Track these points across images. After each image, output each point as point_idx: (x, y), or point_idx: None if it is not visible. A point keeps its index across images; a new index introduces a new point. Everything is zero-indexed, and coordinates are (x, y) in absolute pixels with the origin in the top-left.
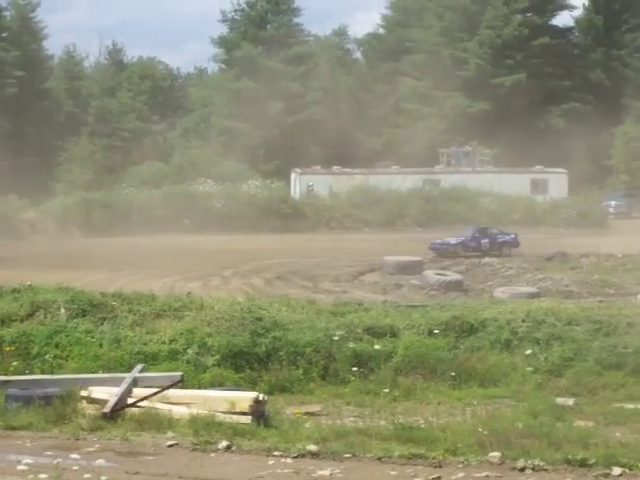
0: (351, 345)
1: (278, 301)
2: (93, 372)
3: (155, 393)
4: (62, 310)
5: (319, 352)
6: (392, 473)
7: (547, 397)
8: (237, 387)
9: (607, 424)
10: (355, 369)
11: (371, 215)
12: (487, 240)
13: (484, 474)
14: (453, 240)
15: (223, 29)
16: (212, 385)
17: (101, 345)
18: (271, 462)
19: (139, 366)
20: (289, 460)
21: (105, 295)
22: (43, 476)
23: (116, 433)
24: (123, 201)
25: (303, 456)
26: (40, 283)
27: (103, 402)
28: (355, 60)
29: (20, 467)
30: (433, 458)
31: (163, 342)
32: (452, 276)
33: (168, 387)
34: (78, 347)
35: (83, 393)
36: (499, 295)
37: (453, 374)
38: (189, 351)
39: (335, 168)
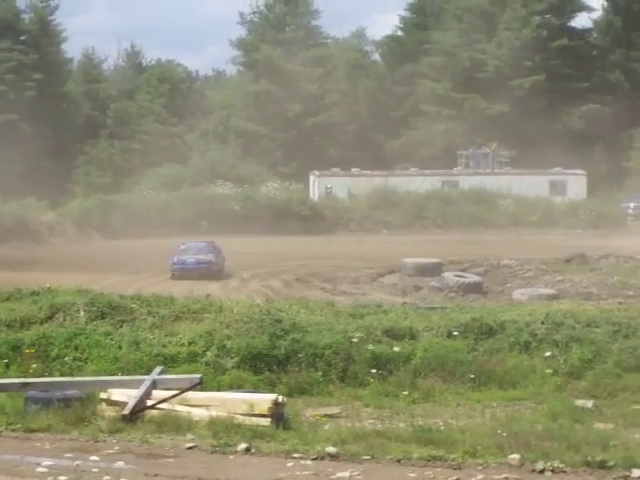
0: (370, 347)
1: (297, 303)
2: (112, 374)
3: (174, 395)
4: (81, 312)
5: (338, 354)
6: (411, 475)
7: (566, 399)
8: (256, 389)
9: (627, 426)
10: (374, 371)
11: (390, 217)
12: (221, 253)
13: (503, 476)
14: (213, 257)
15: (242, 31)
16: (231, 387)
17: (120, 347)
18: (290, 464)
19: (158, 368)
20: (308, 462)
21: (124, 297)
22: (62, 478)
23: (135, 435)
24: (141, 203)
25: (322, 458)
26: (59, 285)
27: (122, 404)
28: (373, 62)
29: (39, 469)
30: (452, 460)
31: (182, 344)
32: (471, 278)
33: (187, 389)
34: (97, 349)
35: (102, 395)
36: (518, 297)
37: (472, 376)
38: (208, 353)
39: (354, 170)
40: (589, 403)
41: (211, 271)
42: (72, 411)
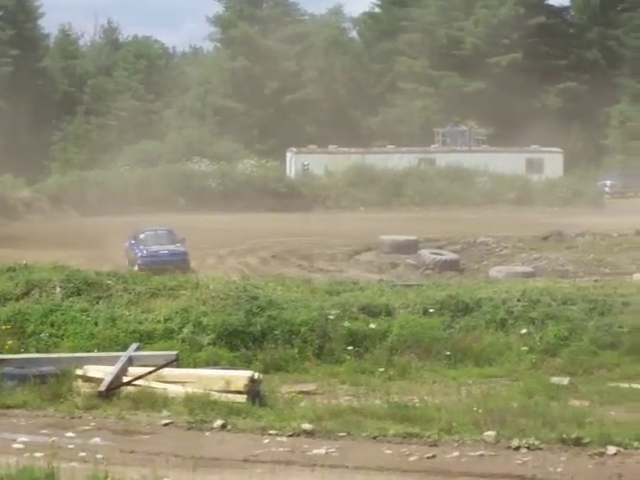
0: (346, 324)
1: (273, 280)
2: (88, 351)
3: (150, 372)
4: (57, 289)
5: (314, 331)
6: (387, 452)
7: (542, 376)
8: (232, 366)
9: (602, 403)
10: (350, 348)
11: (367, 194)
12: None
13: (479, 453)
14: (184, 247)
15: (219, 8)
16: (207, 364)
17: (96, 324)
18: (266, 441)
19: (134, 345)
20: (284, 439)
21: (100, 274)
22: (39, 454)
23: (111, 412)
24: (118, 180)
25: (298, 435)
26: (35, 262)
27: (98, 381)
28: (351, 39)
29: (15, 445)
30: (428, 437)
31: (158, 321)
32: (448, 255)
33: (163, 366)
34: (73, 326)
35: (78, 372)
36: (494, 274)
37: (448, 353)
38: (184, 330)
39: (331, 147)
40: (565, 380)
41: (186, 263)
42: (48, 387)
